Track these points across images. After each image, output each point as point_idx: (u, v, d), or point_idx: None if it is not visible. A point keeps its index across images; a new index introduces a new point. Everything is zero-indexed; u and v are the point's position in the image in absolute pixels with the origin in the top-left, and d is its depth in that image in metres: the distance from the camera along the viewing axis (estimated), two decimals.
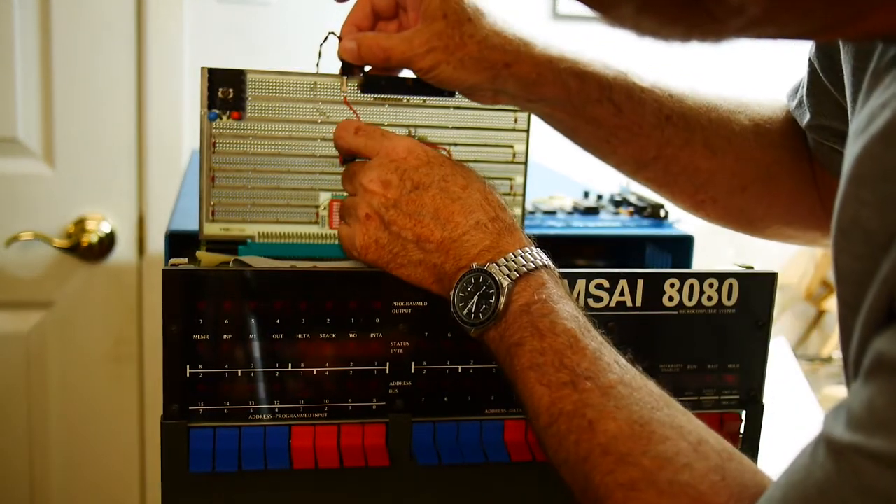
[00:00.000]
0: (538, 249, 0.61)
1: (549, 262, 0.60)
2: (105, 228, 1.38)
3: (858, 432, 0.38)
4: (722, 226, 0.78)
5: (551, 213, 0.87)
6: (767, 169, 0.73)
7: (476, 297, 0.58)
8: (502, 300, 0.57)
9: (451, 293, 0.60)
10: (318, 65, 0.72)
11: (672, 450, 0.48)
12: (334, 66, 0.71)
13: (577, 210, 0.89)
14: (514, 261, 0.59)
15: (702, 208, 0.75)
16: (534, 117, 0.75)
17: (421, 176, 0.63)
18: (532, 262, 0.59)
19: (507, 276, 0.58)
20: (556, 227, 0.83)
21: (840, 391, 1.51)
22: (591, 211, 0.88)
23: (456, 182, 0.63)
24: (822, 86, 0.69)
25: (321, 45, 0.71)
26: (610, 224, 0.86)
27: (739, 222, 0.77)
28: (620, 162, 0.74)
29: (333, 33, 0.71)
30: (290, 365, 0.66)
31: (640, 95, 0.70)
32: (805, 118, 0.72)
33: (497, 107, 0.74)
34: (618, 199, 0.92)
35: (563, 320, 0.56)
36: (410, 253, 0.63)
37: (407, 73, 0.73)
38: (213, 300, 0.64)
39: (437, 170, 0.64)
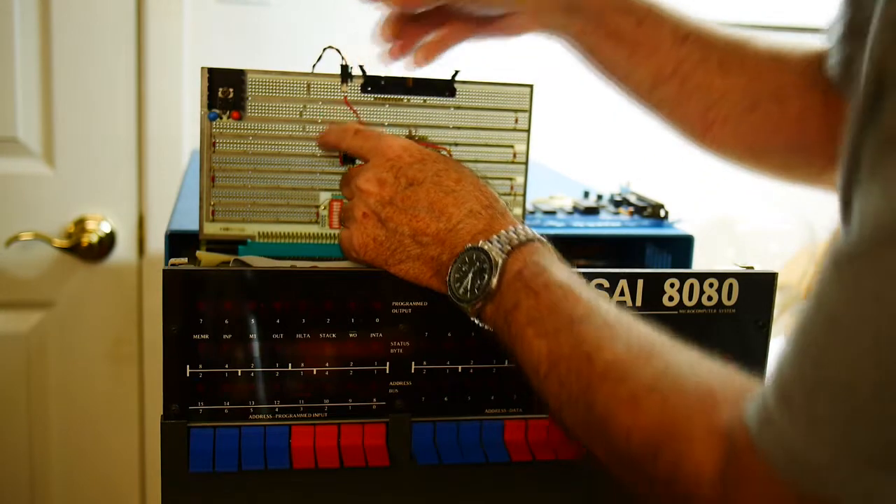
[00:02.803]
0: (530, 227, 0.61)
1: (541, 237, 0.60)
2: (105, 228, 1.38)
3: (859, 236, 0.37)
4: (727, 157, 0.78)
5: (551, 213, 0.87)
6: (779, 90, 0.74)
7: (471, 275, 0.59)
8: (496, 273, 0.57)
9: (448, 276, 0.60)
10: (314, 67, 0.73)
11: (674, 361, 0.48)
12: (334, 68, 0.71)
13: (577, 210, 0.89)
14: (506, 236, 0.59)
15: (710, 130, 0.76)
16: (535, 118, 0.75)
17: (415, 172, 0.64)
18: (524, 235, 0.60)
19: (501, 250, 0.58)
20: (556, 226, 0.83)
21: None
22: (591, 211, 0.88)
23: (449, 176, 0.64)
24: None
25: (314, 66, 0.71)
26: (610, 224, 0.86)
27: (744, 149, 0.77)
28: (638, 82, 0.76)
29: (332, 47, 0.71)
30: (290, 365, 0.66)
31: (660, 14, 0.74)
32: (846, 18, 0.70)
33: (497, 106, 0.74)
34: (618, 199, 0.92)
35: (556, 278, 0.56)
36: (408, 248, 0.63)
37: (407, 74, 0.73)
38: (213, 300, 0.64)
39: (431, 166, 0.64)
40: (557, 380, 0.52)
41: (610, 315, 0.53)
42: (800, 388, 0.38)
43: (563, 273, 0.57)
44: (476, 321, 0.61)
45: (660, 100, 0.76)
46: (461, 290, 0.59)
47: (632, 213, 0.89)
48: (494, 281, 0.57)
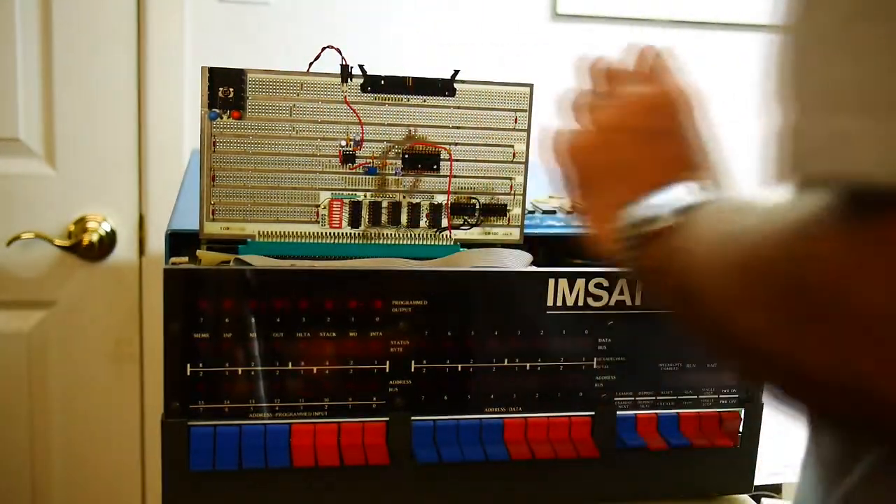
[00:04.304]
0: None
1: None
2: (106, 228, 1.38)
3: None
4: None
5: (551, 212, 0.87)
6: None
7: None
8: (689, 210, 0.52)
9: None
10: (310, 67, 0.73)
11: None
12: (333, 68, 0.71)
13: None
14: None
15: None
16: (535, 118, 0.75)
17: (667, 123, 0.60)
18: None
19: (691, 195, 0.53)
20: (555, 226, 0.84)
21: None
22: None
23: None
24: None
25: (310, 65, 0.71)
26: None
27: None
28: None
29: (332, 47, 0.71)
30: (290, 363, 0.66)
31: None
32: None
33: (497, 106, 0.75)
34: None
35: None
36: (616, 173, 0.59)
37: (407, 73, 0.74)
38: (214, 299, 0.64)
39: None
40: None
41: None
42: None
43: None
44: (629, 252, 0.54)
45: None
46: (645, 207, 0.54)
47: None
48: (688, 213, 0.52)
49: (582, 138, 0.61)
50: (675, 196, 0.54)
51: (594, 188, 0.60)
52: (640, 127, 0.60)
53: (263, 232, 0.73)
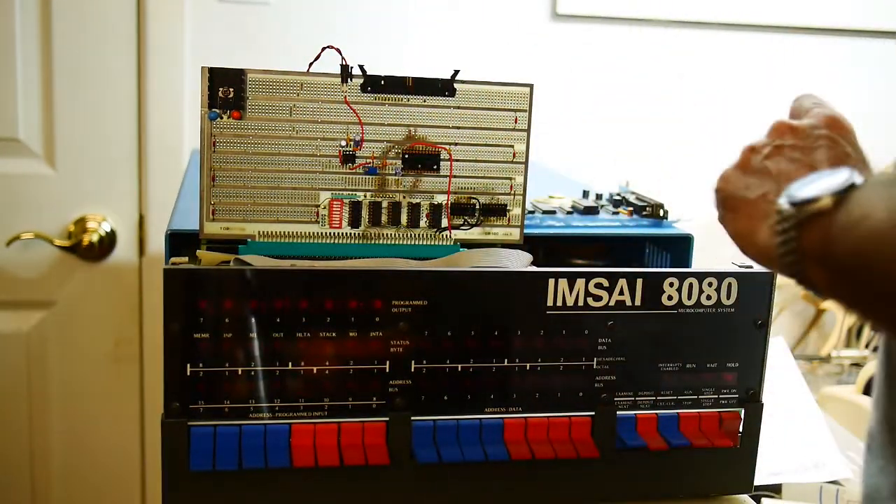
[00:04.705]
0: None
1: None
2: (105, 228, 1.38)
3: None
4: None
5: (550, 212, 0.87)
6: None
7: (821, 179, 0.54)
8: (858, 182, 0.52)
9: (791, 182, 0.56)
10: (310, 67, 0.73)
11: None
12: (333, 68, 0.72)
13: (576, 209, 0.89)
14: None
15: None
16: (534, 118, 0.75)
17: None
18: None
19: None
20: (555, 226, 0.84)
21: (839, 391, 1.51)
22: (591, 210, 0.88)
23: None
24: None
25: (310, 65, 0.71)
26: (609, 223, 0.86)
27: None
28: None
29: (331, 47, 0.71)
30: (290, 364, 0.66)
31: None
32: None
33: (497, 106, 0.75)
34: (617, 198, 0.93)
35: None
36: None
37: (407, 73, 0.74)
38: (214, 299, 0.64)
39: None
40: None
41: None
42: None
43: None
44: (788, 231, 0.54)
45: None
46: (803, 189, 0.54)
47: (631, 213, 0.89)
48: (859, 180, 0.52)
49: (735, 165, 0.61)
50: (831, 179, 0.53)
51: (749, 190, 0.60)
52: (790, 144, 0.60)
53: (263, 232, 0.73)
